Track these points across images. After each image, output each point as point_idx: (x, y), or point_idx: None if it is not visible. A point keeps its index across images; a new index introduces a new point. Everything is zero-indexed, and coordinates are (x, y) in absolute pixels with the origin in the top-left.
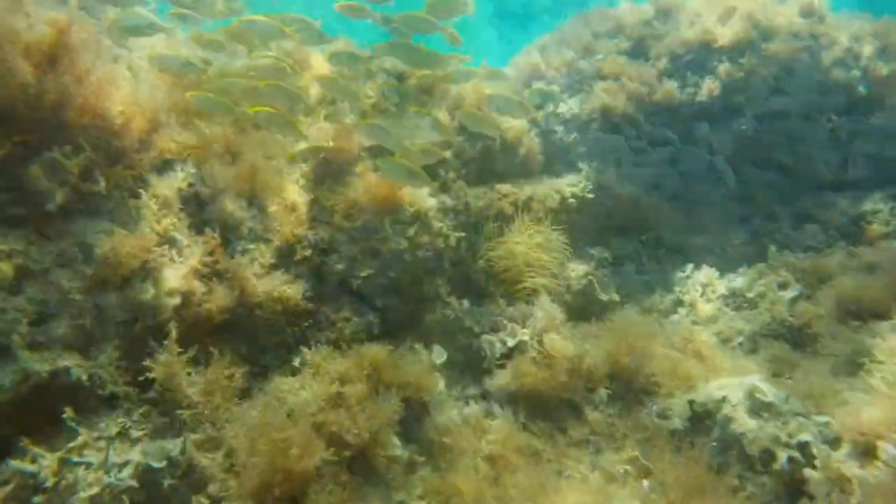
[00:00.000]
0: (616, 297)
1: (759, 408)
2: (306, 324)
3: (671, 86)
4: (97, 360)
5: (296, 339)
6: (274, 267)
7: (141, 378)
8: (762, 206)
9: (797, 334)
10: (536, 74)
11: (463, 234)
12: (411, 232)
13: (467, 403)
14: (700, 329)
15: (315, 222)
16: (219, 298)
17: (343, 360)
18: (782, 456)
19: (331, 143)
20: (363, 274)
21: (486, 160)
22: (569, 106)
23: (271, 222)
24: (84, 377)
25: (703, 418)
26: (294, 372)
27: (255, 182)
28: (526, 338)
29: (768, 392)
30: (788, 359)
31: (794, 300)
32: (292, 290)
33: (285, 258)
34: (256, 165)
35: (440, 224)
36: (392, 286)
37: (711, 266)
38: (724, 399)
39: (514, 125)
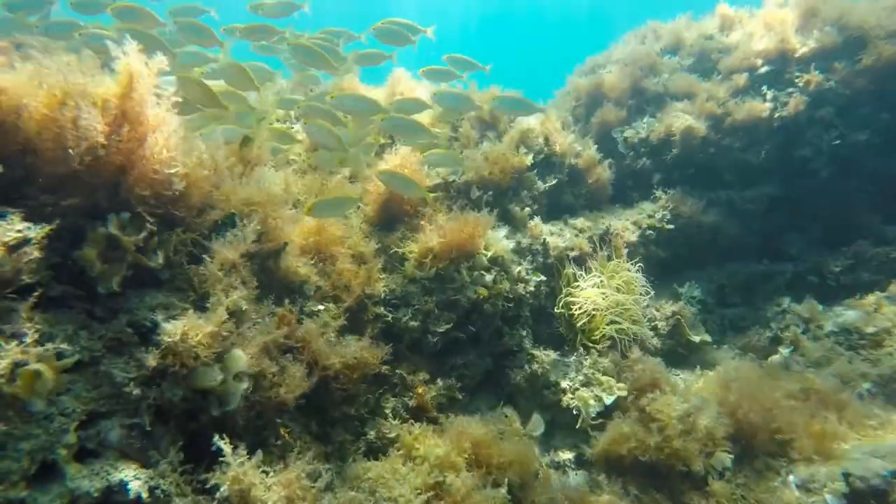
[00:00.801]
0: (708, 338)
1: None
2: (381, 390)
3: (755, 104)
4: (158, 468)
5: (369, 407)
6: (346, 329)
7: (210, 485)
8: (865, 227)
9: None
10: (599, 95)
11: (542, 277)
12: (489, 279)
13: (565, 473)
14: (812, 373)
15: (384, 273)
16: (293, 382)
17: (439, 439)
18: None
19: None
20: (440, 329)
21: (556, 193)
22: (636, 130)
23: (339, 279)
24: (144, 493)
25: (865, 497)
26: (371, 447)
27: (321, 234)
28: (623, 393)
29: None
30: None
31: None
32: (370, 354)
33: (355, 316)
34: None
35: (519, 268)
36: (472, 340)
37: (811, 298)
38: (893, 472)
39: (585, 154)
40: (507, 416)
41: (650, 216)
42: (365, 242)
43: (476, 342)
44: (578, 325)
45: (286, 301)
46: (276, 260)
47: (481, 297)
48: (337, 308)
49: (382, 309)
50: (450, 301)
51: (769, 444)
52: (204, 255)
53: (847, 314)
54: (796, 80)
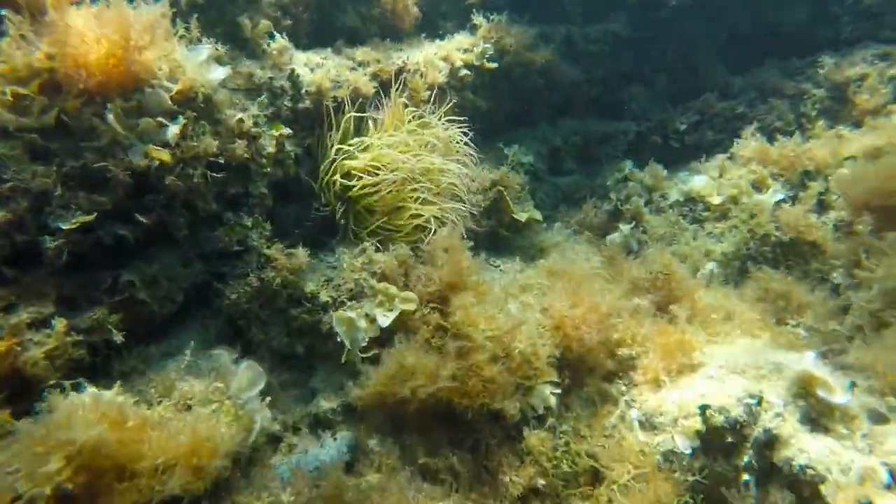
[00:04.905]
0: (537, 215)
1: (821, 413)
2: None
3: None
4: None
5: None
6: None
7: None
8: (712, 77)
9: (783, 254)
10: None
11: (288, 130)
12: (173, 131)
13: (320, 437)
14: (653, 253)
15: None
16: None
17: None
18: None
19: None
20: (68, 224)
21: (328, 6)
22: None
23: None
24: None
25: (722, 433)
26: None
27: None
28: (411, 306)
29: (834, 385)
30: (789, 293)
31: (778, 205)
32: None
33: None
34: None
35: (242, 115)
36: (149, 239)
37: (658, 161)
38: (758, 399)
39: None
40: (211, 356)
41: (466, 50)
42: None
43: (161, 241)
44: (361, 204)
45: None
46: None
47: (159, 162)
48: None
49: None
50: (91, 171)
51: (607, 364)
52: None
53: (692, 181)
54: None
